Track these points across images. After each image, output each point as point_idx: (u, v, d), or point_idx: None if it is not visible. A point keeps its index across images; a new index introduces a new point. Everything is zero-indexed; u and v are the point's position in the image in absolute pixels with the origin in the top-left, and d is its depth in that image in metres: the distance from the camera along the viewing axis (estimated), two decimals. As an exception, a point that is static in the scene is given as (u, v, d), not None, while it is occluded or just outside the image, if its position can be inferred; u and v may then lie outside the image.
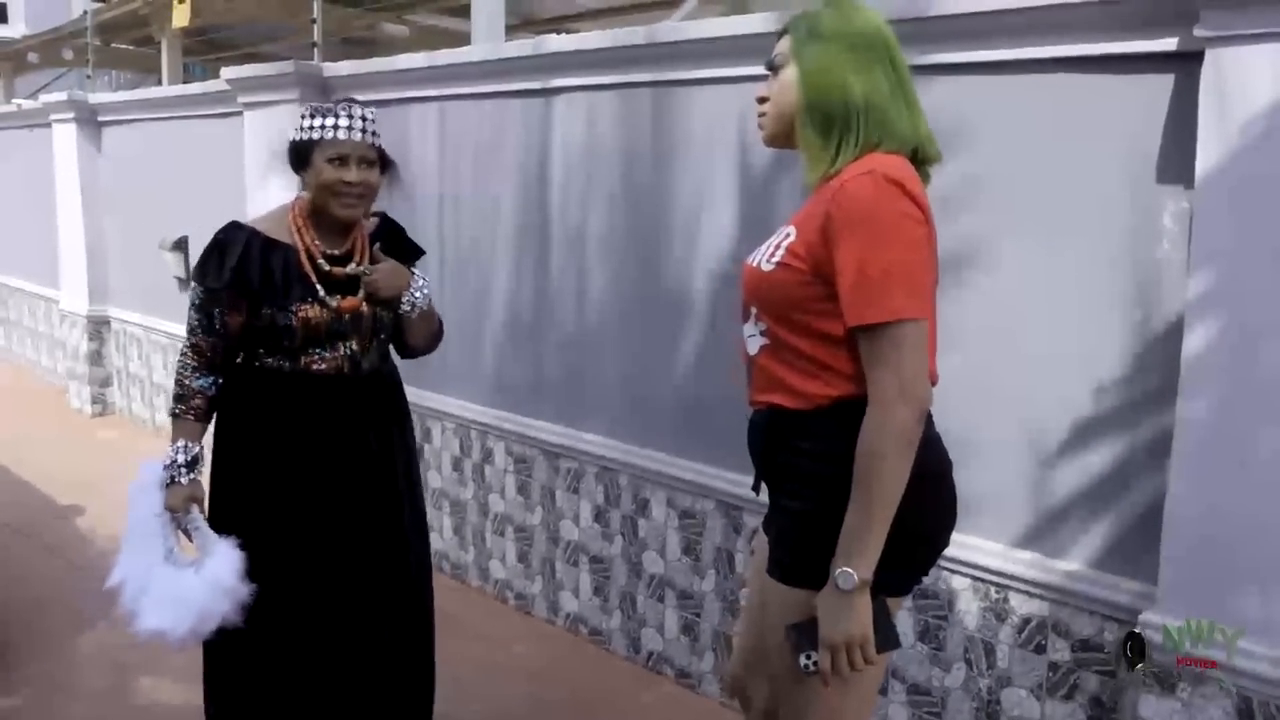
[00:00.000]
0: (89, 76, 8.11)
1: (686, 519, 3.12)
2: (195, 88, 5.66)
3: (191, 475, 2.21)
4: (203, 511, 2.22)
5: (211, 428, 2.33)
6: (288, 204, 2.34)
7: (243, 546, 2.16)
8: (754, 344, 1.68)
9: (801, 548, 1.60)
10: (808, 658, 1.56)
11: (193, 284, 2.28)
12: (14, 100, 8.41)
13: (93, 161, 6.32)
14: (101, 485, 4.97)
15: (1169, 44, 2.09)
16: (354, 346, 2.28)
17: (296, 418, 2.26)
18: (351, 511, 2.29)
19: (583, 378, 3.44)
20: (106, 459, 5.58)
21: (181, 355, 2.28)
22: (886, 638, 1.56)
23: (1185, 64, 2.07)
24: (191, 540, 2.20)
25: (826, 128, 1.62)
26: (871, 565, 1.50)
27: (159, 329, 5.91)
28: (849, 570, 1.49)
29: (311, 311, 2.22)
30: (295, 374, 2.26)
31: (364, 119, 2.23)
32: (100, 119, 6.26)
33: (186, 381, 2.25)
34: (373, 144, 2.25)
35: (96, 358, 6.49)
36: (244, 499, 2.28)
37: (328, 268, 2.26)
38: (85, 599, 3.68)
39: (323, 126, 2.20)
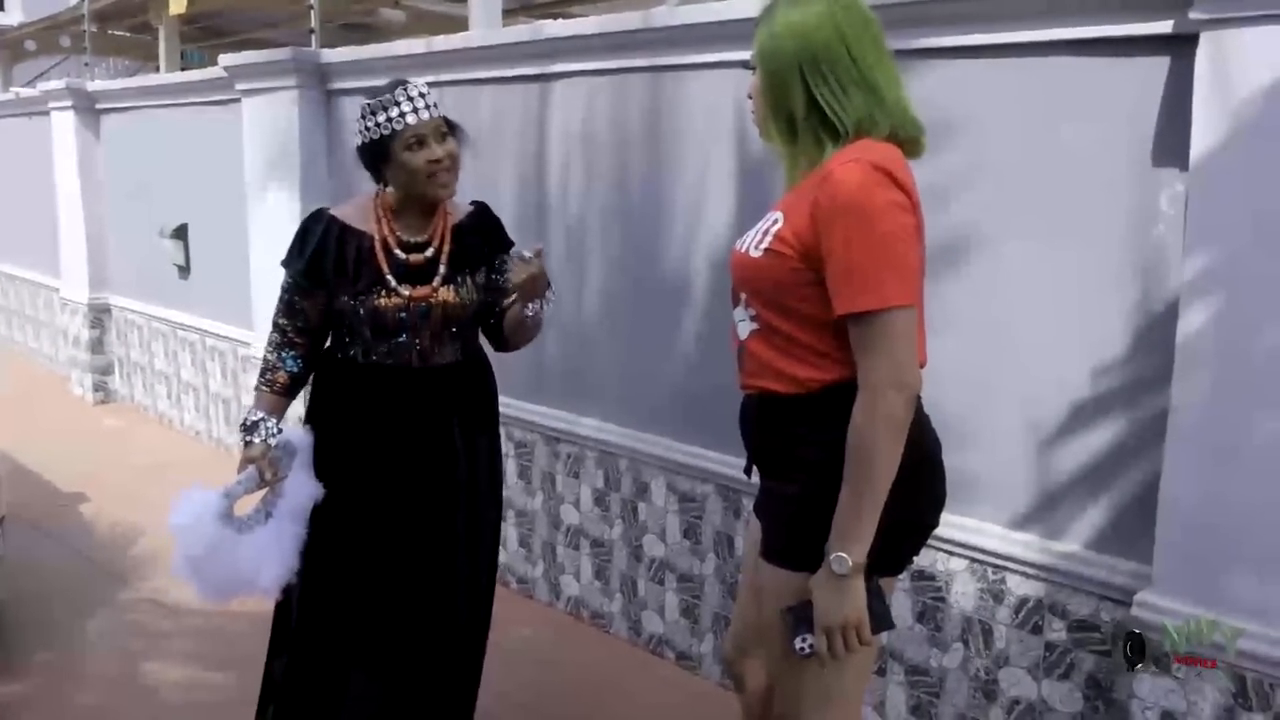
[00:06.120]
0: (87, 64, 8.09)
1: (686, 503, 3.14)
2: (193, 75, 5.65)
3: (249, 439, 2.19)
4: (272, 475, 2.19)
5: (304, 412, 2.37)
6: (371, 193, 2.31)
7: (318, 531, 2.22)
8: (744, 329, 1.69)
9: (795, 531, 1.62)
10: (803, 640, 1.58)
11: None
12: (12, 88, 8.39)
13: (92, 149, 6.32)
14: (104, 473, 5.00)
15: (1164, 26, 2.08)
16: (423, 340, 2.26)
17: (365, 409, 2.27)
18: (404, 505, 2.28)
19: (582, 363, 3.45)
20: (109, 447, 5.61)
21: (269, 334, 2.31)
22: (881, 619, 1.58)
23: (1181, 46, 2.06)
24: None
25: (791, 131, 1.61)
26: (865, 549, 1.52)
27: (160, 316, 5.92)
28: (843, 555, 1.51)
29: (382, 301, 2.20)
30: (367, 365, 2.27)
31: (423, 95, 2.17)
32: (99, 106, 6.25)
33: (269, 356, 2.29)
34: (440, 115, 2.20)
35: (98, 345, 6.51)
36: (326, 485, 2.28)
37: (404, 256, 2.23)
38: (90, 585, 3.71)
39: (390, 119, 2.14)
